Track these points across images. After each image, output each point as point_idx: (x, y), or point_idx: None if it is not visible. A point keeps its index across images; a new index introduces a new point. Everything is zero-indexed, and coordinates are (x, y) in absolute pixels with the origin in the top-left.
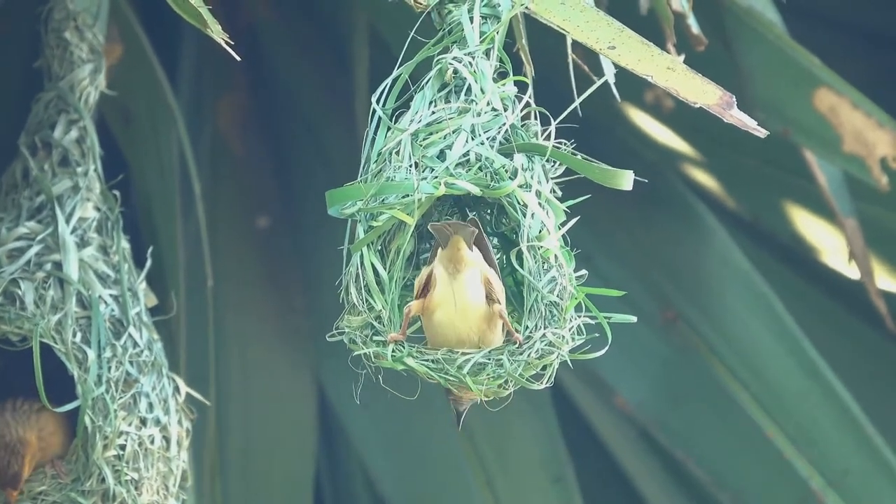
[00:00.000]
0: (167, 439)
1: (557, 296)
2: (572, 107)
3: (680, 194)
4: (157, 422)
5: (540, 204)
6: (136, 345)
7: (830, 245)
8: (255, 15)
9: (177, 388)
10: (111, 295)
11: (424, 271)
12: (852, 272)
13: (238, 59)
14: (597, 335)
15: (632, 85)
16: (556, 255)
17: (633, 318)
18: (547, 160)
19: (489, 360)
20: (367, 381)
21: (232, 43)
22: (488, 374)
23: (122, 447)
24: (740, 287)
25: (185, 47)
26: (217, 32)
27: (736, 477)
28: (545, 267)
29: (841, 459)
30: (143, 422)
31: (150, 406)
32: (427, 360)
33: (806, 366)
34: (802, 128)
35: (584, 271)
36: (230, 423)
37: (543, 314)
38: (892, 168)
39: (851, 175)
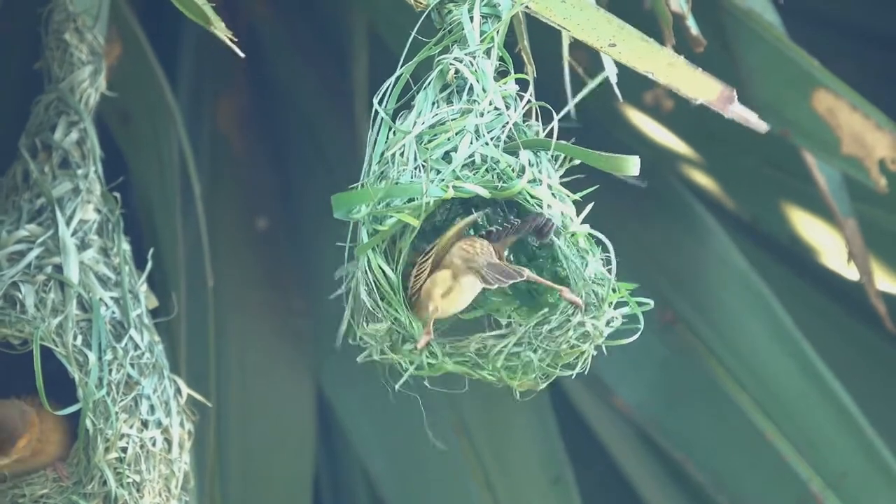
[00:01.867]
0: (169, 441)
1: (598, 279)
2: (573, 103)
3: (679, 195)
4: (159, 424)
5: (553, 194)
6: (137, 347)
7: (829, 246)
8: (254, 14)
9: (178, 390)
10: (112, 297)
11: (441, 279)
12: (851, 273)
13: (242, 55)
14: (626, 321)
15: (631, 85)
16: (586, 238)
17: (650, 302)
18: (551, 156)
19: (521, 348)
20: (367, 381)
21: (235, 40)
22: (521, 364)
23: (124, 450)
24: (739, 288)
25: (185, 47)
26: (221, 30)
27: (734, 478)
28: (581, 254)
29: (840, 461)
30: (145, 424)
31: (152, 408)
32: (462, 359)
33: (805, 367)
34: (801, 129)
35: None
36: (230, 423)
37: (584, 300)
38: (891, 170)
39: (851, 176)
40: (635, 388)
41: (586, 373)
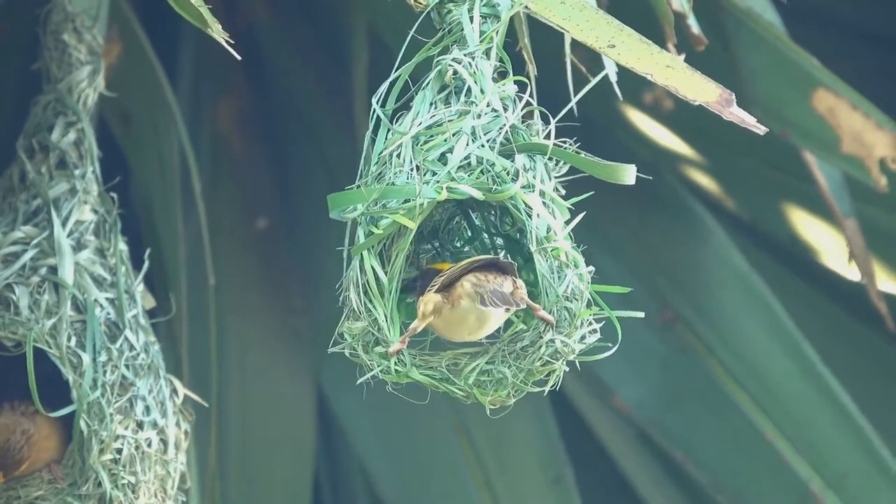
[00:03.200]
0: (164, 442)
1: (572, 296)
2: (572, 103)
3: (679, 195)
4: (154, 425)
5: (545, 203)
6: (132, 348)
7: (830, 246)
8: (254, 15)
9: (174, 391)
10: (107, 298)
11: (430, 299)
12: (852, 273)
13: (238, 58)
14: (600, 336)
15: (631, 86)
16: (566, 254)
17: (641, 314)
18: (548, 159)
19: (494, 365)
20: (367, 381)
21: (232, 42)
22: (492, 381)
23: (119, 451)
24: (739, 288)
25: (185, 48)
26: (217, 32)
27: (734, 478)
28: (558, 267)
29: (840, 461)
30: (140, 425)
31: (147, 409)
32: (431, 371)
33: (805, 367)
34: (801, 129)
35: (591, 267)
36: (230, 423)
37: (555, 316)
38: (891, 169)
39: (851, 176)
40: (635, 387)
41: (586, 373)
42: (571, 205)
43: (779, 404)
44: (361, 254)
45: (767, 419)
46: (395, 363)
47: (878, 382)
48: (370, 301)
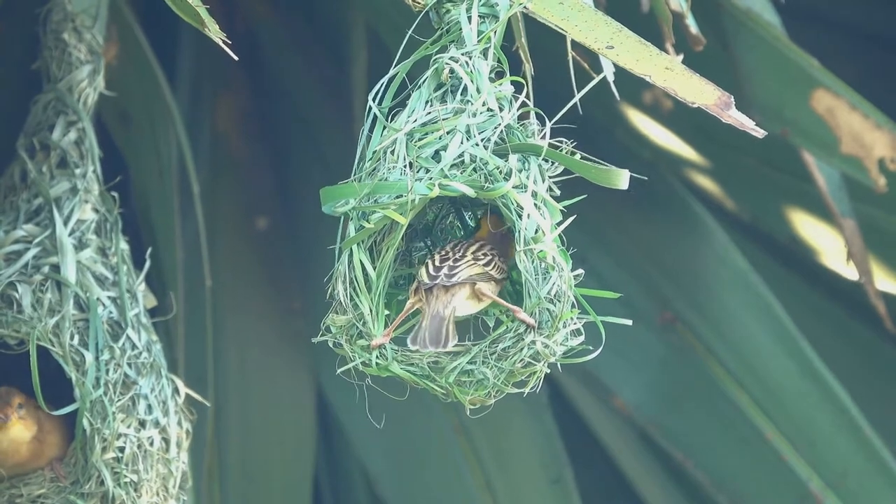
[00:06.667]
0: (166, 441)
1: (555, 298)
2: (571, 103)
3: (678, 195)
4: (157, 423)
5: (536, 205)
6: (134, 347)
7: (829, 246)
8: (253, 15)
9: (176, 390)
10: (109, 297)
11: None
12: (851, 273)
13: (235, 58)
14: (584, 340)
15: (630, 85)
16: (553, 257)
17: (629, 322)
18: (543, 160)
19: (475, 366)
20: (367, 384)
21: (230, 42)
22: (473, 381)
23: (121, 449)
24: (739, 288)
25: (184, 48)
26: (215, 32)
27: (734, 478)
28: (543, 268)
29: (840, 460)
30: (142, 424)
31: (149, 408)
32: (412, 367)
33: (804, 367)
34: (800, 129)
35: (580, 270)
36: (229, 423)
37: (537, 318)
38: (890, 169)
39: (850, 176)
40: (635, 388)
41: (586, 374)
42: (564, 207)
43: (778, 403)
44: (351, 248)
45: (767, 418)
46: (377, 356)
47: (878, 382)
48: (357, 295)
